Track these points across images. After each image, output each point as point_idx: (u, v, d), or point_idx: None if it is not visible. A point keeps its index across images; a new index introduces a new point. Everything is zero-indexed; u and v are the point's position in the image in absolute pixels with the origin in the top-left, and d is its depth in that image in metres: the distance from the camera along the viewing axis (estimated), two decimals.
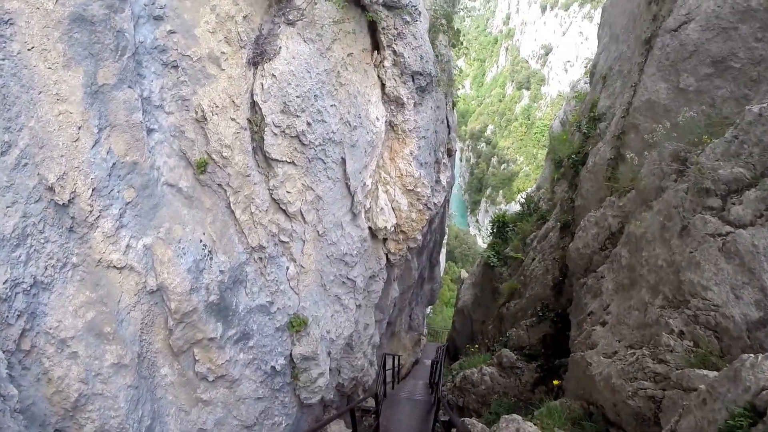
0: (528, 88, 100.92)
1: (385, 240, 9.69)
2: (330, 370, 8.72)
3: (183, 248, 6.33)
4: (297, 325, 7.56)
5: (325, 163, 7.58)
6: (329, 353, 8.39)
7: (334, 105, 7.63)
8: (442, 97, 13.36)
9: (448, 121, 15.73)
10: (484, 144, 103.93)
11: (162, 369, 6.83)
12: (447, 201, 20.31)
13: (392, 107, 9.62)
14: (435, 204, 13.25)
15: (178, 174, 6.47)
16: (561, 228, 12.84)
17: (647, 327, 5.00)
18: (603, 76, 10.81)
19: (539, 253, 14.18)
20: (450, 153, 16.67)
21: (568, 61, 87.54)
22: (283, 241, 7.36)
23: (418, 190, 9.69)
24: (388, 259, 9.92)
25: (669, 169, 5.86)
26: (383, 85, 9.34)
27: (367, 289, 9.59)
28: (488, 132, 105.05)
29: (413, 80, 9.66)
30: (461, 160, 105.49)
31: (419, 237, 10.00)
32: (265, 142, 6.86)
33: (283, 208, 7.24)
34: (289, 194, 7.19)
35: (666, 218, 5.33)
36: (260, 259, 7.12)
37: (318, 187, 7.57)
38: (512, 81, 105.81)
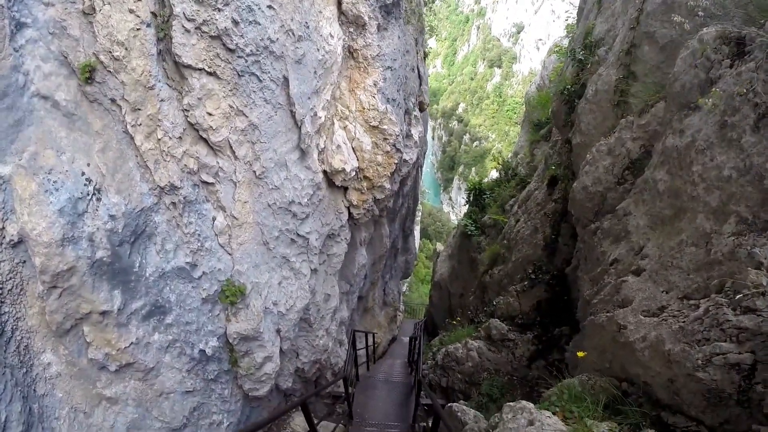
0: (500, 66, 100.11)
1: (345, 190, 7.92)
2: (282, 352, 7.00)
3: (54, 181, 4.48)
4: (231, 295, 5.77)
5: (260, 80, 5.72)
6: (278, 331, 6.65)
7: (272, 6, 5.74)
8: (412, 41, 11.60)
9: (419, 71, 13.99)
10: (456, 122, 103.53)
11: (43, 355, 5.02)
12: (420, 164, 18.68)
13: (351, 30, 7.77)
14: (406, 160, 11.59)
15: (56, 83, 4.63)
16: (549, 183, 11.38)
17: (715, 265, 3.46)
18: (598, 0, 9.25)
19: (524, 213, 12.72)
20: (422, 107, 14.96)
21: (540, 39, 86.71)
22: (206, 182, 5.50)
23: (384, 127, 7.93)
24: (350, 214, 8.15)
25: (719, 54, 4.30)
26: (340, 3, 7.49)
27: (326, 252, 7.83)
28: (460, 110, 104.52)
29: None
30: (433, 139, 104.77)
31: (387, 186, 8.28)
32: (174, 41, 4.95)
33: (204, 136, 5.37)
34: (211, 117, 5.32)
35: (727, 112, 3.77)
36: (174, 204, 5.26)
37: (252, 112, 5.71)
38: (484, 59, 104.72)
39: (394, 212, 15.17)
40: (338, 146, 7.13)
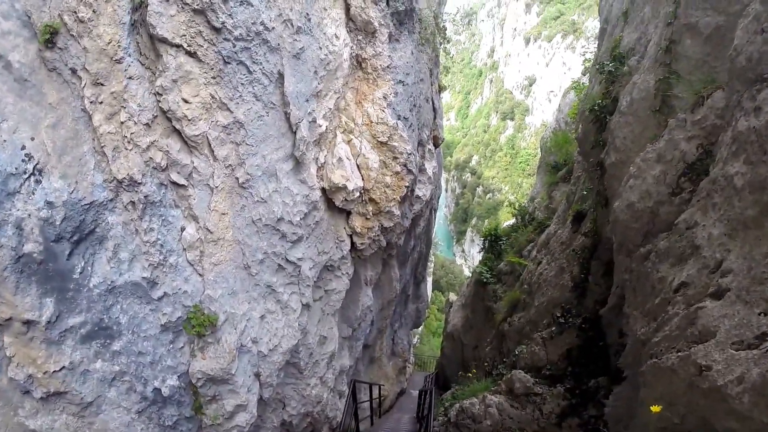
0: (512, 119, 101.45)
1: (348, 215, 6.95)
2: (263, 400, 5.78)
3: None
4: (199, 325, 4.70)
5: (250, 71, 4.93)
6: (257, 375, 5.47)
7: None
8: (426, 70, 11.08)
9: (433, 103, 13.42)
10: (469, 174, 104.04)
11: None
12: (434, 206, 17.78)
13: (360, 37, 7.12)
14: (419, 196, 10.73)
15: (13, 44, 4.00)
16: (573, 220, 10.32)
17: None
18: (624, 12, 8.61)
19: (546, 255, 11.56)
20: (436, 142, 14.27)
21: (552, 91, 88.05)
22: (176, 183, 4.60)
23: (395, 144, 7.06)
24: (353, 244, 7.14)
25: None
26: (348, 8, 6.89)
27: (323, 286, 6.76)
28: (473, 162, 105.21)
29: (387, 1, 7.25)
30: (446, 191, 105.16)
31: (396, 212, 7.30)
32: (149, 8, 4.22)
33: (178, 127, 4.52)
34: (188, 106, 4.49)
35: None
36: (133, 204, 4.33)
37: (239, 107, 4.89)
38: (497, 112, 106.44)
39: (405, 254, 14.10)
40: (339, 159, 6.24)
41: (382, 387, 14.72)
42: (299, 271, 5.94)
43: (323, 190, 6.30)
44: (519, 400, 7.31)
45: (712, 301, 3.34)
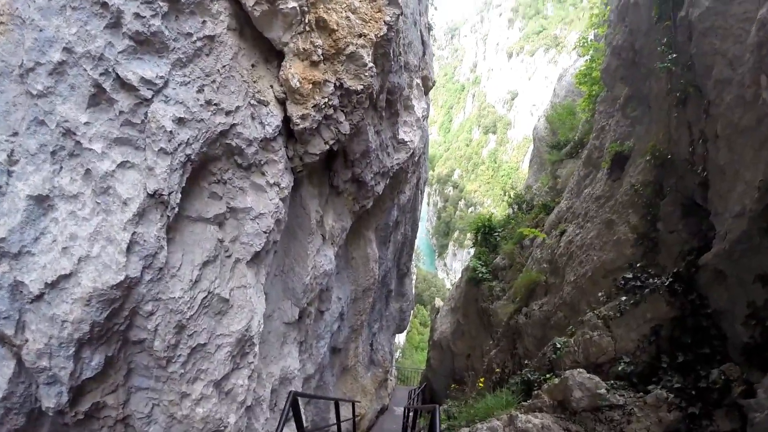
0: (494, 132, 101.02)
1: (280, 59, 3.80)
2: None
3: None
4: None
5: None
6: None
7: None
8: None
9: (422, 36, 10.53)
10: (451, 188, 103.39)
11: None
12: (421, 176, 14.73)
13: None
14: (404, 141, 7.84)
15: None
16: (611, 167, 7.51)
17: None
18: None
19: (573, 221, 8.60)
20: (427, 85, 11.33)
21: (534, 105, 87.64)
22: None
23: None
24: (288, 120, 3.94)
25: None
26: None
27: (226, 196, 3.58)
28: (455, 176, 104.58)
29: None
30: (428, 205, 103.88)
31: (368, 60, 4.13)
32: None
33: None
34: None
35: None
36: None
37: None
38: (479, 126, 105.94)
39: (386, 228, 10.95)
40: None
41: (357, 404, 11.31)
42: (140, 114, 2.76)
43: None
44: (581, 419, 4.20)
45: None
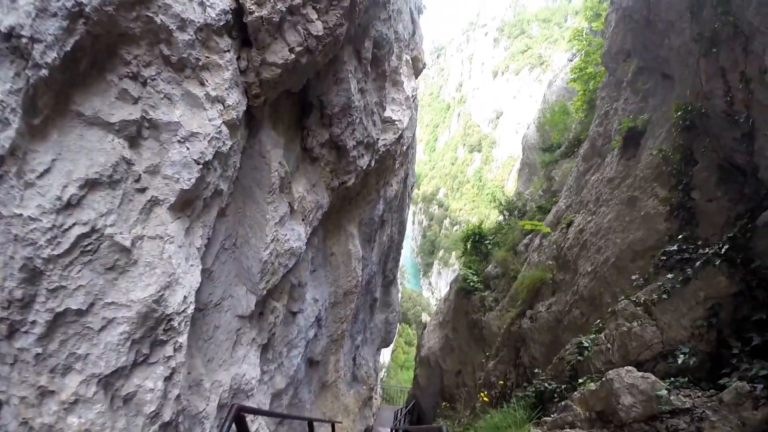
0: (479, 151, 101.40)
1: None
2: None
3: None
4: None
5: None
6: None
7: None
8: None
9: (412, 16, 9.65)
10: (436, 206, 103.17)
11: None
12: (408, 171, 13.70)
13: None
14: (392, 120, 6.86)
15: None
16: (623, 147, 6.62)
17: None
18: None
19: (581, 210, 7.62)
20: (417, 67, 10.40)
21: (519, 123, 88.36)
22: None
23: None
24: (240, 8, 2.87)
25: None
26: None
27: (153, 113, 2.46)
28: (440, 195, 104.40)
29: None
30: (413, 223, 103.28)
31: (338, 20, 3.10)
32: None
33: None
34: None
35: None
36: None
37: None
38: (464, 144, 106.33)
39: (371, 225, 9.81)
40: None
41: (338, 425, 9.96)
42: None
43: None
44: (630, 430, 3.05)
45: None
